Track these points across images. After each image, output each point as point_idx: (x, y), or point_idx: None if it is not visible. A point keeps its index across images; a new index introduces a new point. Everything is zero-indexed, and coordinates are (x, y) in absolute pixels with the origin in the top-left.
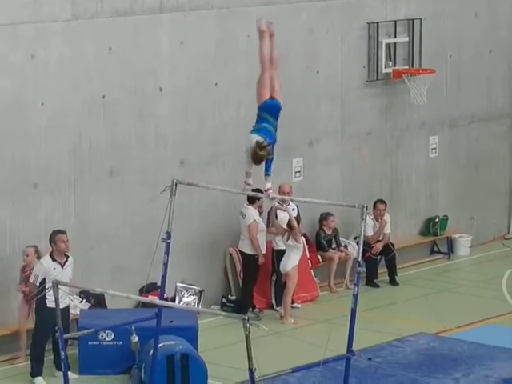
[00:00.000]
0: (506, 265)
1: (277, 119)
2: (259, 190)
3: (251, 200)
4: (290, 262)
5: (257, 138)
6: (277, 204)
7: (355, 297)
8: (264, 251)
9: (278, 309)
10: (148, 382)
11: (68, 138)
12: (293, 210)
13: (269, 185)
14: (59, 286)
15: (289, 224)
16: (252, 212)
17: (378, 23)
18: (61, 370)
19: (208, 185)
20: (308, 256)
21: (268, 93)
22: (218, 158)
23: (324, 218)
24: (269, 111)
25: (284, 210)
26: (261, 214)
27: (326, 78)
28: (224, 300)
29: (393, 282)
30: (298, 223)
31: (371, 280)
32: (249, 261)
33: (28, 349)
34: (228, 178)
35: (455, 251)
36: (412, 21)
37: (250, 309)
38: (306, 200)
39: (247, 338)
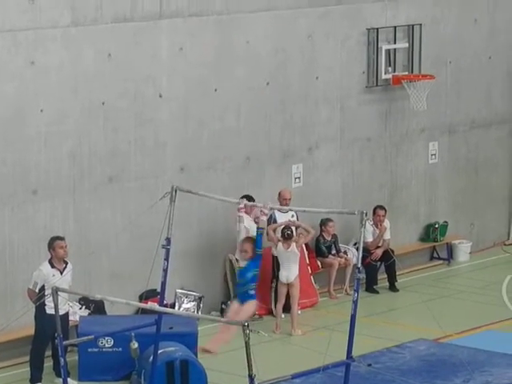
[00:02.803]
0: (505, 271)
1: None
2: (251, 197)
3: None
4: (293, 272)
5: None
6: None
7: (355, 303)
8: None
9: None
10: None
11: (67, 144)
12: (292, 216)
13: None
14: (58, 293)
15: (283, 233)
16: (243, 219)
17: (377, 29)
18: (60, 376)
19: (207, 193)
20: (308, 262)
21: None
22: (218, 164)
23: (324, 223)
24: None
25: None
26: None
27: (326, 83)
28: (223, 306)
29: (392, 288)
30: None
31: (371, 286)
32: None
33: (27, 355)
34: (228, 184)
35: (455, 257)
36: (412, 26)
37: None
38: (305, 209)
39: (247, 344)
